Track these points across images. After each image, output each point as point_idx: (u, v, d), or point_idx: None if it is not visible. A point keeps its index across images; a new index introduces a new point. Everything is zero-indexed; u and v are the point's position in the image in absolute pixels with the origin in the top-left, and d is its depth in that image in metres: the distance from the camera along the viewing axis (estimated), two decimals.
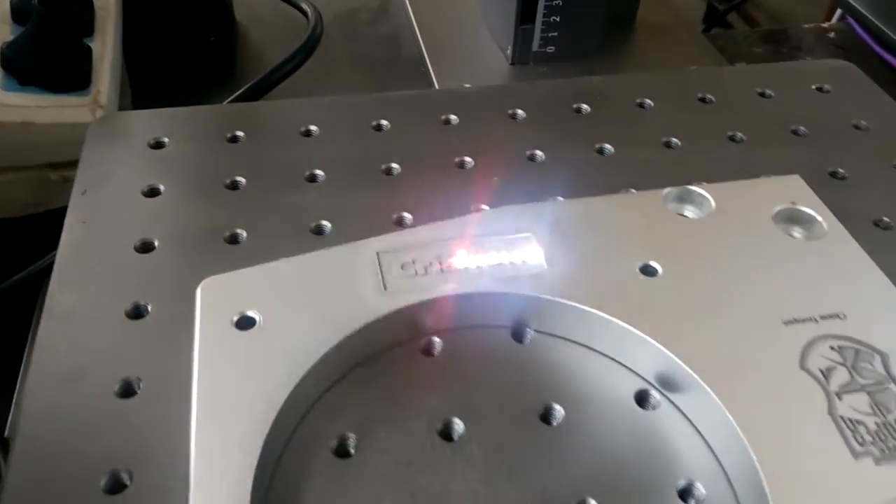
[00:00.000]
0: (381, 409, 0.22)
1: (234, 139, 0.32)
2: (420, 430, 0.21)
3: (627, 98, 0.35)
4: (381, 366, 0.23)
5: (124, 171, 0.30)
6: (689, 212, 0.26)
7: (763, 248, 0.25)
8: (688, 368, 0.21)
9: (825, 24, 0.61)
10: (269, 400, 0.20)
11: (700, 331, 0.22)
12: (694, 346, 0.22)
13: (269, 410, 0.20)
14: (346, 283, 0.23)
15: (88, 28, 0.41)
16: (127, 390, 0.23)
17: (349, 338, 0.22)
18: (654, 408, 0.22)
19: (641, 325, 0.22)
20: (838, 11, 0.62)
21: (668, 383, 0.22)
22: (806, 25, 0.60)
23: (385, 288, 0.23)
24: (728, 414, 0.20)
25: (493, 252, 0.24)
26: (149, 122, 0.33)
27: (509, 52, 0.45)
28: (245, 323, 0.22)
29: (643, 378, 0.23)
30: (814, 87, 0.36)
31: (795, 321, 0.22)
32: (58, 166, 0.38)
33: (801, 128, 0.34)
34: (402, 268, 0.24)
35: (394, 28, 0.55)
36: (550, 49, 0.45)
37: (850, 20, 0.58)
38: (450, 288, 0.23)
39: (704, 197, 0.26)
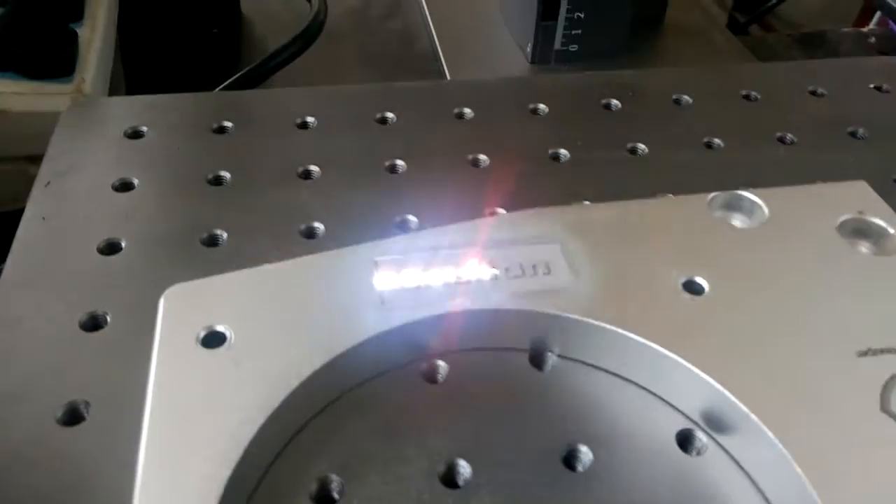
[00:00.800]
0: (371, 447, 0.20)
1: (221, 130, 0.31)
2: (419, 474, 0.19)
3: (662, 93, 0.34)
4: (374, 394, 0.21)
5: (96, 162, 0.29)
6: (738, 220, 0.25)
7: (827, 264, 0.23)
8: (741, 404, 0.19)
9: (865, 29, 0.60)
10: (236, 434, 0.18)
11: (755, 360, 0.20)
12: (748, 379, 0.20)
13: (235, 447, 0.18)
14: (337, 295, 0.21)
15: (77, 12, 0.40)
16: (72, 417, 0.20)
17: (337, 360, 0.20)
18: (699, 452, 0.21)
19: (685, 351, 0.20)
20: (875, 17, 0.61)
21: (716, 422, 0.20)
22: (845, 29, 0.59)
23: (382, 301, 0.21)
24: (793, 462, 0.18)
25: (509, 262, 0.23)
26: (128, 109, 0.31)
27: (529, 49, 0.44)
28: (212, 340, 0.20)
29: (687, 416, 0.21)
30: (871, 85, 0.35)
31: (872, 352, 0.20)
32: (37, 159, 0.37)
33: (860, 130, 0.32)
34: (402, 278, 0.22)
35: (407, 23, 0.54)
36: (574, 48, 0.44)
37: (892, 25, 0.58)
38: (458, 303, 0.22)
39: (756, 203, 0.25)
